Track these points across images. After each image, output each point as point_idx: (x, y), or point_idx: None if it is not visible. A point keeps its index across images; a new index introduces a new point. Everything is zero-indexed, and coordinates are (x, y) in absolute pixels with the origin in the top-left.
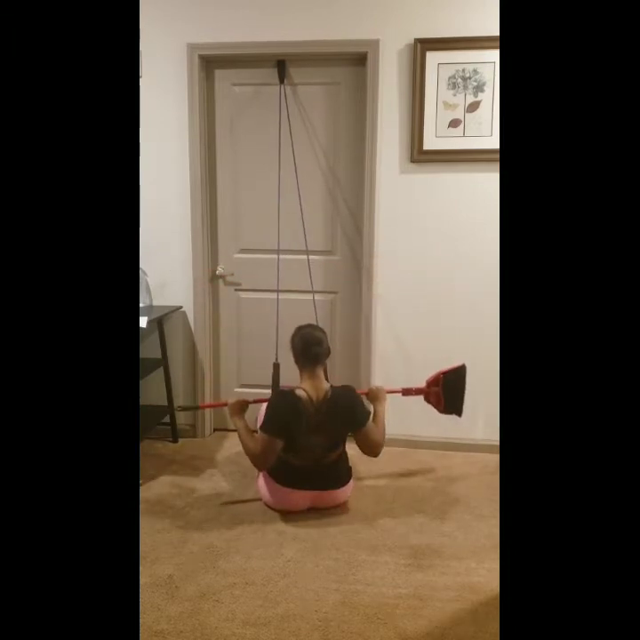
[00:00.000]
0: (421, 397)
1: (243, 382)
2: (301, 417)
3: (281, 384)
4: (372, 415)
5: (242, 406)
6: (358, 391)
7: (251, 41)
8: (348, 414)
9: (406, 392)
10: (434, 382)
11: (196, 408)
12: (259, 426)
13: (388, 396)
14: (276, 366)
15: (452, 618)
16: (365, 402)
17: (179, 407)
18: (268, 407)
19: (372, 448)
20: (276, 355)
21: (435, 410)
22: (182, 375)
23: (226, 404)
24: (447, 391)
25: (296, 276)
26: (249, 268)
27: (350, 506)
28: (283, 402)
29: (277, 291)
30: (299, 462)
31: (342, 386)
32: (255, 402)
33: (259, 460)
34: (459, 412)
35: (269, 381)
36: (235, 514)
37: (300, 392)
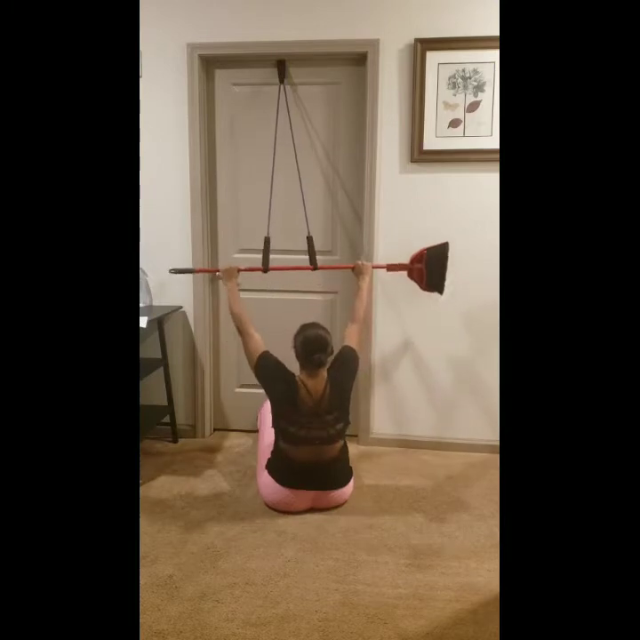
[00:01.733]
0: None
1: (243, 382)
2: (293, 396)
3: None
4: (352, 309)
5: (233, 272)
6: (344, 265)
7: (251, 41)
8: (351, 374)
9: (391, 268)
10: (417, 259)
11: (191, 271)
12: (259, 425)
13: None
14: (267, 240)
15: (452, 618)
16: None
17: (172, 269)
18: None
19: (356, 334)
20: (268, 228)
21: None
22: (182, 375)
23: (218, 271)
24: (430, 268)
25: (296, 276)
26: None
27: (350, 506)
28: (282, 365)
29: (278, 291)
30: (300, 458)
31: (334, 361)
32: (246, 270)
33: (235, 318)
34: (440, 290)
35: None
36: (235, 514)
37: (298, 379)
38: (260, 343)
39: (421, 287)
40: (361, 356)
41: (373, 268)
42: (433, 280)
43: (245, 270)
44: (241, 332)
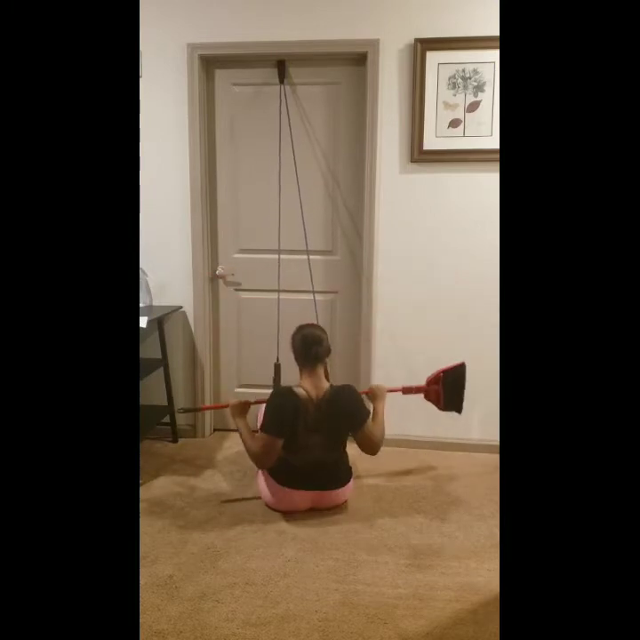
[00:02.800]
0: (421, 396)
1: (242, 382)
2: (299, 415)
3: (281, 383)
4: (371, 414)
5: (243, 407)
6: (360, 391)
7: (251, 41)
8: (349, 413)
9: (407, 391)
10: (434, 380)
11: (197, 410)
12: (259, 425)
13: (388, 394)
14: (277, 367)
15: (452, 618)
16: (366, 400)
17: (180, 409)
18: (267, 407)
19: (371, 446)
20: (277, 355)
21: (435, 408)
22: (182, 375)
23: (228, 406)
24: (447, 389)
25: (296, 276)
26: (249, 268)
27: (350, 506)
28: (281, 401)
29: (279, 291)
30: (299, 462)
31: (343, 385)
32: (256, 402)
33: (260, 460)
34: (459, 410)
35: (269, 381)
36: (235, 514)
37: (299, 390)
38: (259, 438)
39: (438, 408)
40: (361, 357)
41: (389, 391)
42: (450, 400)
43: (256, 403)
44: (262, 456)
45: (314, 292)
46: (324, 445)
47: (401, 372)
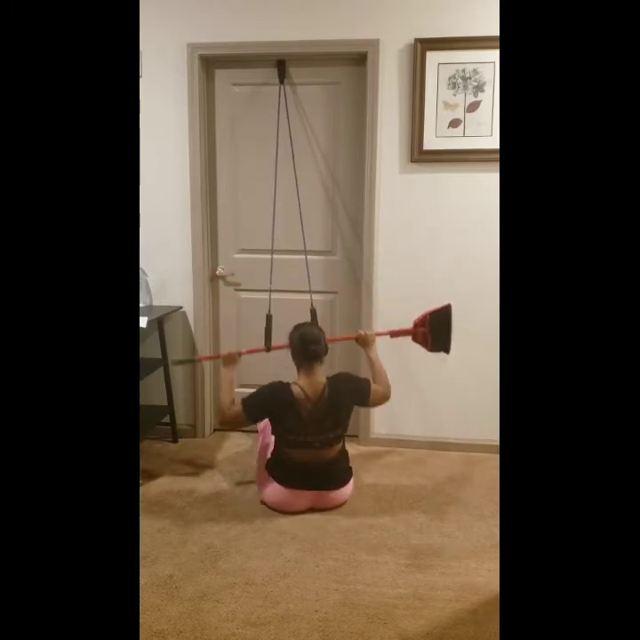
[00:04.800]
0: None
1: (242, 382)
2: (292, 411)
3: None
4: (371, 379)
5: (234, 358)
6: (346, 336)
7: (251, 41)
8: (354, 393)
9: (395, 334)
10: (421, 322)
11: (192, 361)
12: (259, 426)
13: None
14: (269, 318)
15: (452, 618)
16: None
17: (175, 360)
18: (257, 390)
19: (383, 400)
20: (269, 308)
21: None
22: (182, 375)
23: (219, 356)
24: (434, 330)
25: (296, 276)
26: (249, 268)
27: (350, 506)
28: (270, 393)
29: (270, 292)
30: (299, 457)
31: (335, 374)
32: (248, 352)
33: (223, 418)
34: (446, 350)
35: (269, 382)
36: (235, 514)
37: (294, 388)
38: (237, 406)
39: (427, 349)
40: (361, 357)
41: (376, 335)
42: (438, 342)
43: (248, 352)
44: (225, 418)
45: (313, 292)
46: (323, 440)
47: (401, 372)
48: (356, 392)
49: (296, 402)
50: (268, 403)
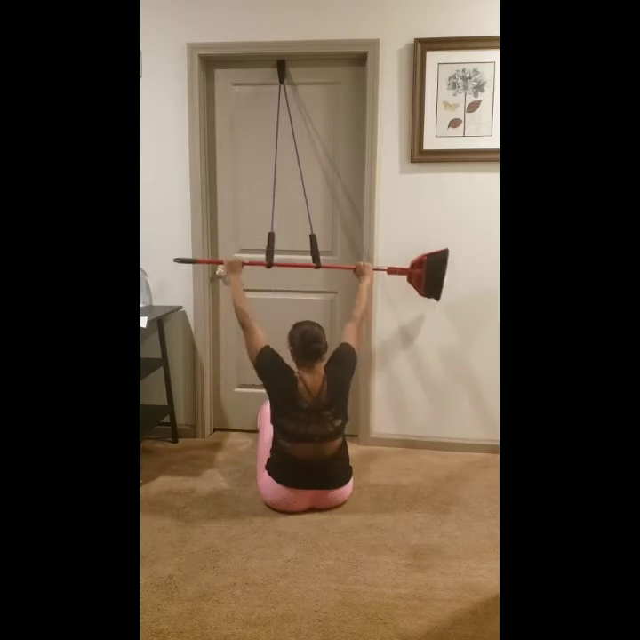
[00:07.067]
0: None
1: (242, 382)
2: (295, 398)
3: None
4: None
5: (238, 264)
6: (345, 265)
7: (251, 41)
8: (346, 369)
9: (391, 271)
10: (417, 264)
11: (194, 261)
12: (258, 426)
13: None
14: (271, 236)
15: (452, 618)
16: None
17: (177, 259)
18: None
19: (351, 333)
20: (272, 225)
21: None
22: (182, 375)
23: (222, 262)
24: (429, 273)
25: (296, 275)
26: (249, 268)
27: (350, 506)
28: (284, 369)
29: (275, 290)
30: (300, 456)
31: (327, 363)
32: (250, 263)
33: (239, 314)
34: (437, 296)
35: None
36: (235, 514)
37: (299, 383)
38: (262, 338)
39: (419, 292)
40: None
41: (374, 270)
42: (430, 286)
43: (249, 264)
44: (244, 326)
45: (313, 292)
46: (323, 434)
47: (401, 372)
48: (346, 368)
49: (297, 387)
50: (278, 369)
